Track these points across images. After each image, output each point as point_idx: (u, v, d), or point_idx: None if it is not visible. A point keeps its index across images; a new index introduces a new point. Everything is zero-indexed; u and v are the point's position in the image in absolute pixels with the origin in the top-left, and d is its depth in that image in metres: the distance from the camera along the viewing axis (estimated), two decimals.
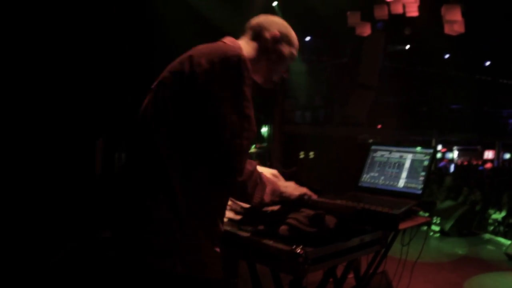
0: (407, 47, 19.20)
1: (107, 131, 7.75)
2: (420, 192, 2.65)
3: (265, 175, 2.08)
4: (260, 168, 2.10)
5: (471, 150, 29.26)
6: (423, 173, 2.72)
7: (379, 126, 20.23)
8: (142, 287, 1.87)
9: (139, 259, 1.85)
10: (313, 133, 16.51)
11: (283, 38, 2.22)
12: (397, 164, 2.87)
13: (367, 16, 12.23)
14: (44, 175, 6.74)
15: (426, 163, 2.75)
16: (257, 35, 2.20)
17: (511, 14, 14.06)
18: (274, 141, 14.55)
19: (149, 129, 1.91)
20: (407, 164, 2.82)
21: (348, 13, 12.10)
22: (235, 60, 1.86)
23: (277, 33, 2.20)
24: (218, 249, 1.93)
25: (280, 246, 1.90)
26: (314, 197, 2.29)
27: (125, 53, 8.16)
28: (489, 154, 27.92)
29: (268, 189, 2.04)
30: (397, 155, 2.91)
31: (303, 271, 1.82)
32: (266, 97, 12.62)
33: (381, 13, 11.27)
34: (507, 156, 28.16)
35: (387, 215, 2.14)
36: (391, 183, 2.82)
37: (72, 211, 6.17)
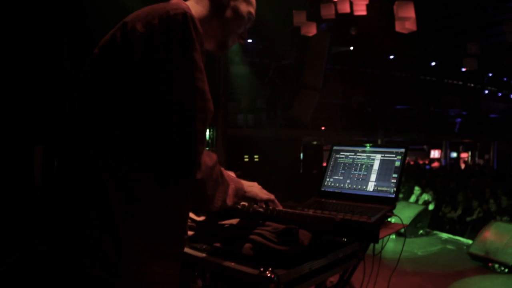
0: (352, 48, 19.29)
1: (46, 137, 7.24)
2: (393, 196, 2.42)
3: (225, 171, 1.69)
4: None
5: (417, 150, 29.76)
6: (395, 175, 2.48)
7: (323, 128, 20.24)
8: None
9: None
10: (256, 136, 16.25)
11: None
12: (364, 165, 2.62)
13: (313, 16, 12.12)
14: None
15: (397, 163, 2.51)
16: None
17: (455, 14, 14.25)
18: (217, 145, 14.24)
19: (77, 124, 1.50)
20: (376, 166, 2.57)
21: (294, 12, 11.94)
22: (179, 18, 1.44)
23: None
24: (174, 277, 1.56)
25: (245, 268, 1.57)
26: (280, 207, 1.96)
27: (66, 57, 7.72)
28: (435, 153, 28.48)
29: (231, 190, 1.67)
30: (363, 156, 2.65)
31: None
32: None
33: (328, 12, 11.13)
34: (454, 154, 28.84)
35: (367, 225, 1.81)
36: (359, 187, 2.57)
37: (10, 223, 5.74)
